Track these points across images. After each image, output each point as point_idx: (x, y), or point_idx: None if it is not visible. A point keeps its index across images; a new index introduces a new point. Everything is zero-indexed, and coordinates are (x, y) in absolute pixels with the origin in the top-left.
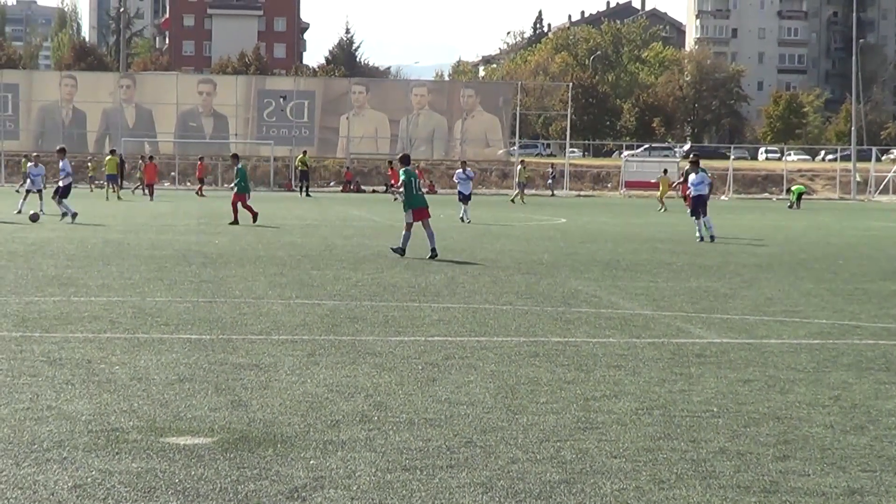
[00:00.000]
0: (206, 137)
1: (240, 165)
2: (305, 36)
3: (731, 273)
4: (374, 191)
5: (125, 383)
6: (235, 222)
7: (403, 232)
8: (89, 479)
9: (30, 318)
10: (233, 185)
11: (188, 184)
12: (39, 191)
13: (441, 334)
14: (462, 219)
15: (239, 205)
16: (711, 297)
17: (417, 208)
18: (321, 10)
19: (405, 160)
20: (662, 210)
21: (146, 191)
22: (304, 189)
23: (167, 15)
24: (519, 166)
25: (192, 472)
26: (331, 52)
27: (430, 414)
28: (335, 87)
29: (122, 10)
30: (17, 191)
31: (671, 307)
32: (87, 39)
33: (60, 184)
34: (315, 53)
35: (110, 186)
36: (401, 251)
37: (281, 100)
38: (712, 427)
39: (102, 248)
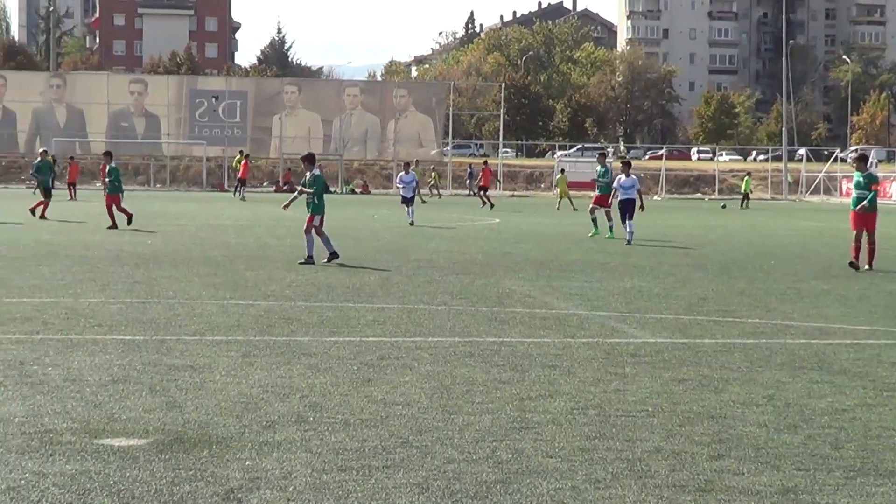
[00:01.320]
0: (137, 137)
1: (113, 164)
2: (237, 35)
3: (665, 273)
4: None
5: (58, 385)
6: (114, 226)
7: (323, 238)
8: (23, 482)
9: None
10: (106, 183)
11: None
12: None
13: (376, 335)
14: (412, 222)
15: (114, 207)
16: (645, 296)
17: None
18: (253, 9)
19: (312, 159)
20: (571, 209)
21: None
22: (238, 190)
23: (97, 14)
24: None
25: (127, 474)
26: (262, 51)
27: (366, 414)
28: (267, 86)
29: (51, 9)
30: None
31: (605, 307)
32: (16, 39)
33: None
34: (247, 53)
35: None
36: (335, 255)
37: (213, 100)
38: (647, 426)
39: (34, 249)
